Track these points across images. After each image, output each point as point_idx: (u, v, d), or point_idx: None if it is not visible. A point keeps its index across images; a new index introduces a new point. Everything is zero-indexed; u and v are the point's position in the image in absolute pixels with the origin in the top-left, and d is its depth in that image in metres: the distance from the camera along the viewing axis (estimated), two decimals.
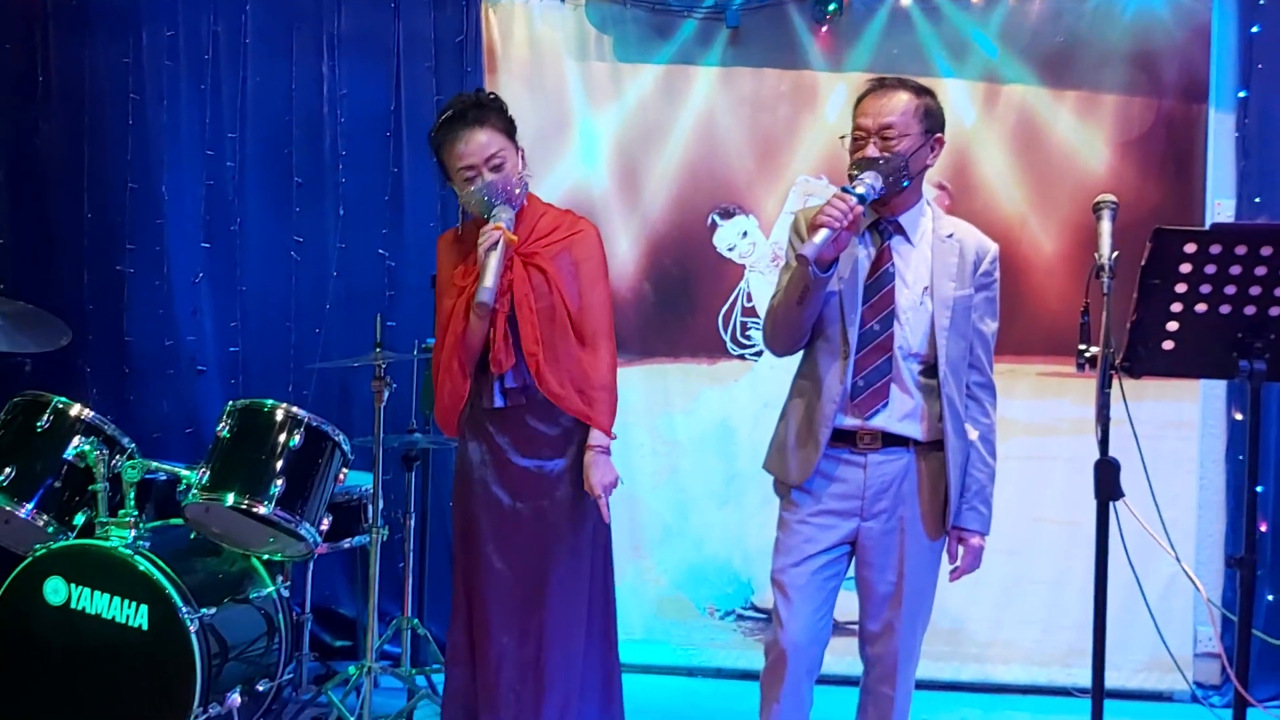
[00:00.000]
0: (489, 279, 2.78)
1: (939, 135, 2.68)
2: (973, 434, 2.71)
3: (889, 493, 2.69)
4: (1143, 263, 2.22)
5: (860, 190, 2.52)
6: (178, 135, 4.58)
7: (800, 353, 2.79)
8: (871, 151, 2.61)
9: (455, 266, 3.00)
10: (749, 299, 4.44)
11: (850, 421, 2.67)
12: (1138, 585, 2.53)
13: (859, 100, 2.69)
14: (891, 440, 2.68)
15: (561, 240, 2.98)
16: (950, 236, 2.71)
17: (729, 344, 4.46)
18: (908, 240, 2.69)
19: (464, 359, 2.93)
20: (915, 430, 2.68)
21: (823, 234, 2.47)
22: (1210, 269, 2.20)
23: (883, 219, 2.69)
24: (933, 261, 2.68)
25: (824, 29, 4.33)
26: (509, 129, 2.93)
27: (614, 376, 2.99)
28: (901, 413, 2.66)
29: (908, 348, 2.66)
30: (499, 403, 2.95)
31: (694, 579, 4.50)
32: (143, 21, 4.56)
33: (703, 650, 4.49)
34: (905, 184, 2.62)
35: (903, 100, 2.63)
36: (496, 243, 2.80)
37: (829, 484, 2.70)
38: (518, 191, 2.92)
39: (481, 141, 2.86)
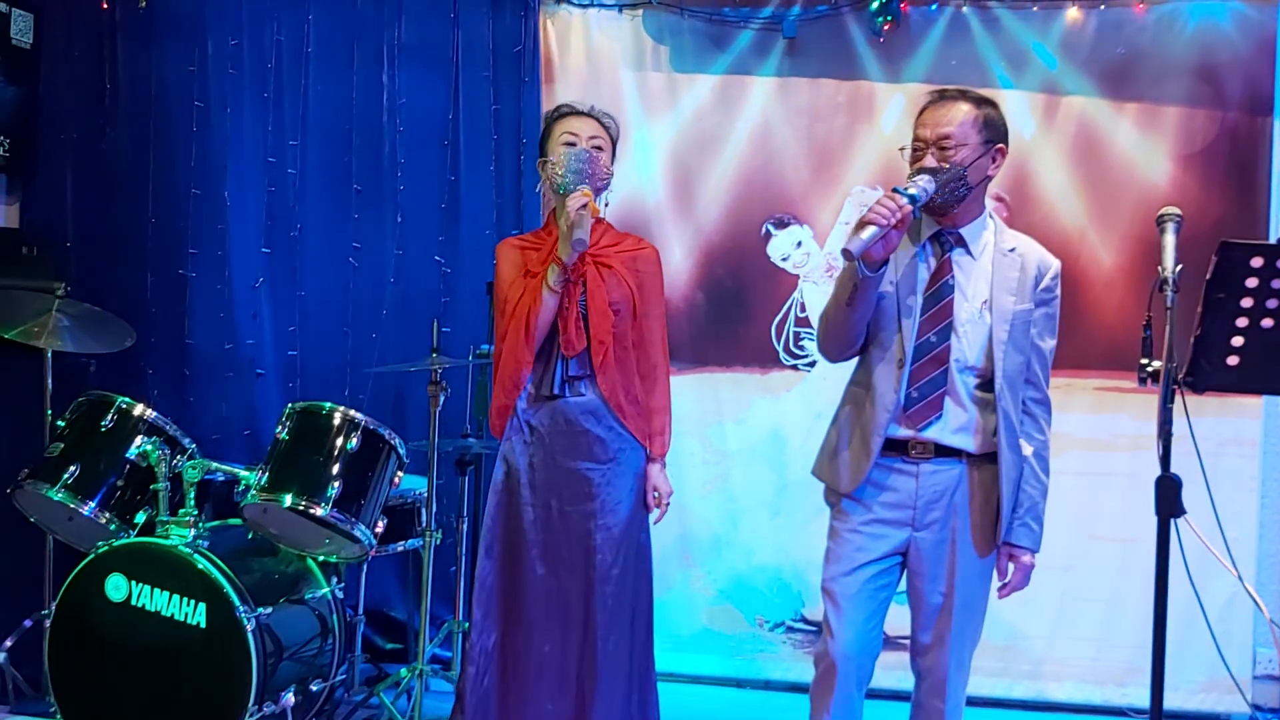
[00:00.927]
0: (584, 228, 2.94)
1: (1000, 146, 2.67)
2: (1027, 450, 2.69)
3: (941, 503, 2.67)
4: (1207, 276, 2.19)
5: (912, 191, 2.51)
6: (240, 142, 4.65)
7: (853, 360, 2.78)
8: (929, 162, 2.61)
9: (522, 263, 3.09)
10: (802, 309, 4.43)
11: (903, 432, 2.66)
12: (1199, 604, 2.49)
13: (920, 112, 2.68)
14: (944, 451, 2.67)
15: (629, 251, 3.15)
16: (1013, 251, 2.69)
17: (782, 354, 4.45)
18: (968, 253, 2.68)
19: (532, 329, 3.00)
20: (968, 443, 2.66)
21: (870, 230, 2.44)
22: (1277, 283, 2.16)
23: (944, 230, 2.68)
24: (993, 275, 2.66)
25: (882, 39, 4.31)
26: (614, 141, 3.17)
27: (669, 395, 3.17)
28: (955, 425, 2.65)
29: (964, 360, 2.64)
30: (558, 389, 3.03)
31: (743, 589, 4.49)
32: (208, 31, 4.62)
33: (751, 661, 4.47)
34: (963, 194, 2.61)
35: (962, 111, 2.62)
36: (585, 204, 2.96)
37: (880, 493, 2.69)
38: (600, 185, 3.06)
39: (592, 128, 3.11)
